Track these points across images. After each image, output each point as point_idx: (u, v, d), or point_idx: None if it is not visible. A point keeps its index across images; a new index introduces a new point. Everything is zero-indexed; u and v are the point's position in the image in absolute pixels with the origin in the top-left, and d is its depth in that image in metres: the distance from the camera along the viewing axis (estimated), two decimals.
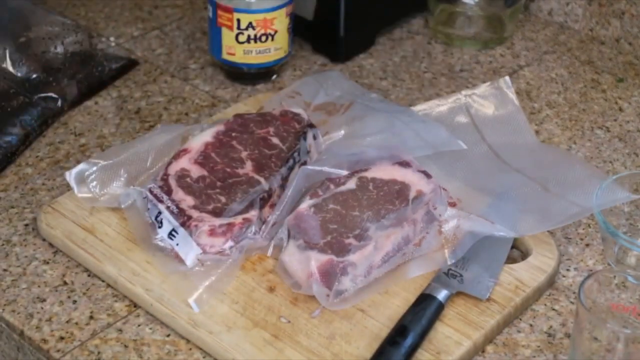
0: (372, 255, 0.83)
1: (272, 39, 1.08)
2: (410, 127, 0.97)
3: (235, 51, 1.08)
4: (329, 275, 0.81)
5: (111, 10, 1.25)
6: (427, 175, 0.89)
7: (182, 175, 0.89)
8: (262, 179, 0.89)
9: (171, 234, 0.85)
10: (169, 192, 0.88)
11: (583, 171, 0.93)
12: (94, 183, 0.91)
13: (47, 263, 0.88)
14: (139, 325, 0.82)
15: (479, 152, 0.97)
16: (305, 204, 0.87)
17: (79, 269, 0.87)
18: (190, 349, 0.80)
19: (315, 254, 0.82)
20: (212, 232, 0.85)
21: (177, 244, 0.85)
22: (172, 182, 0.89)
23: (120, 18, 1.24)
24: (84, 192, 0.91)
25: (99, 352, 0.79)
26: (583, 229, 0.93)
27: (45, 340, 0.81)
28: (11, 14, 1.12)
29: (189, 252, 0.84)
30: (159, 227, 0.86)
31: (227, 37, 1.08)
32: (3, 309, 0.83)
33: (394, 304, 0.82)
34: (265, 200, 0.88)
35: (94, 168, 0.92)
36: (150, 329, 0.82)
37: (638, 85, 1.14)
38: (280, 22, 1.08)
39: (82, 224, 0.89)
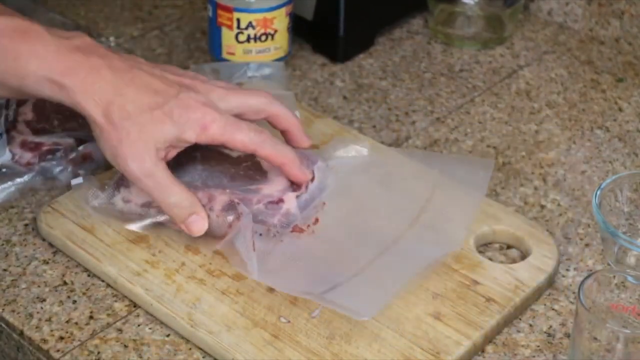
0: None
1: (272, 39, 1.08)
2: None
3: (235, 51, 1.08)
4: (114, 183, 0.89)
5: (111, 10, 1.25)
6: (296, 187, 0.88)
7: None
8: None
9: None
10: (21, 104, 0.97)
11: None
12: None
13: (47, 263, 0.88)
14: (138, 325, 0.82)
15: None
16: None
17: (78, 269, 0.87)
18: (190, 349, 0.80)
19: None
20: (23, 144, 0.95)
21: None
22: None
23: (120, 18, 1.24)
24: None
25: (98, 352, 0.80)
26: (583, 229, 0.93)
27: (45, 340, 0.81)
28: None
29: (1, 156, 0.94)
30: None
31: (227, 36, 1.08)
32: (3, 309, 0.83)
33: (394, 304, 0.82)
34: (94, 139, 0.94)
35: None
36: (150, 329, 0.82)
37: (638, 85, 1.14)
38: (280, 21, 1.08)
39: (82, 224, 0.89)
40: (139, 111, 0.83)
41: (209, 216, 0.86)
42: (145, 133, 0.82)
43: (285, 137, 0.91)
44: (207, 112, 0.84)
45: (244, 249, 0.84)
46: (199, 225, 0.85)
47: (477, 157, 1.00)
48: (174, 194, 0.84)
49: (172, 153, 0.85)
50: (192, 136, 0.84)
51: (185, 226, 0.85)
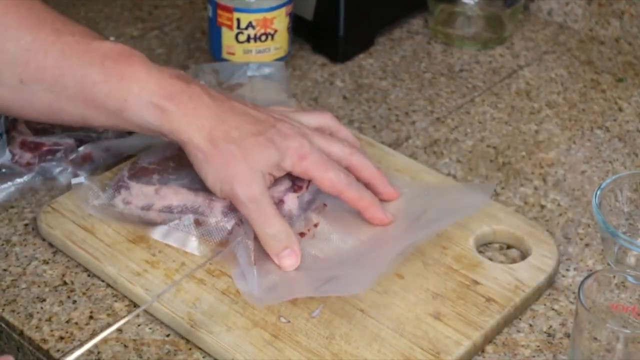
0: (150, 196, 0.87)
1: (272, 39, 1.08)
2: None
3: (235, 51, 1.08)
4: (115, 184, 0.89)
5: (111, 10, 1.25)
6: (297, 188, 0.88)
7: None
8: None
9: None
10: None
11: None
12: None
13: (47, 263, 0.88)
14: (138, 325, 0.82)
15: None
16: None
17: (78, 269, 0.87)
18: (190, 349, 0.80)
19: (128, 164, 0.91)
20: (23, 144, 0.95)
21: None
22: None
23: (120, 18, 1.24)
24: None
25: (98, 352, 0.80)
26: (583, 229, 0.93)
27: (45, 340, 0.81)
28: None
29: (2, 156, 0.95)
30: None
31: (227, 36, 1.08)
32: (3, 309, 0.83)
33: (393, 304, 0.82)
34: (94, 140, 0.97)
35: None
36: (150, 329, 0.82)
37: (638, 85, 1.14)
38: (280, 21, 1.08)
39: (82, 224, 0.89)
40: (244, 136, 0.83)
41: (209, 221, 0.86)
42: (251, 157, 0.83)
43: (369, 189, 0.90)
44: (304, 144, 0.85)
45: (244, 261, 0.84)
46: (292, 260, 0.84)
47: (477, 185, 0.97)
48: (274, 225, 0.83)
49: (269, 182, 0.85)
50: (289, 164, 0.85)
51: (277, 259, 0.84)
